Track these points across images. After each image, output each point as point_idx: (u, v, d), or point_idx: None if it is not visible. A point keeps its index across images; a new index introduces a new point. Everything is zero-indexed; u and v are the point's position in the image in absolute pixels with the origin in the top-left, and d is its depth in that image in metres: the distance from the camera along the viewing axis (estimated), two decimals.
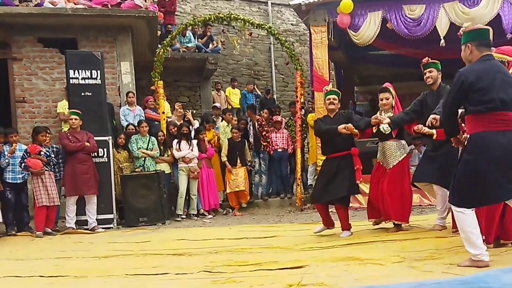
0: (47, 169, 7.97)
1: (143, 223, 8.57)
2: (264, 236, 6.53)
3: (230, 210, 9.82)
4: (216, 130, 10.42)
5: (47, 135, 8.31)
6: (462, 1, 8.83)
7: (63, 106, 9.53)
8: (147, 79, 10.78)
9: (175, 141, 9.38)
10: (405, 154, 6.02)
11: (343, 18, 9.35)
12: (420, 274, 3.64)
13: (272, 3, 16.22)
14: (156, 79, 10.09)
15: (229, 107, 12.47)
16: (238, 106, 13.04)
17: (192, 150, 9.32)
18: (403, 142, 6.05)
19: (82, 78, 8.67)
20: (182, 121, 10.03)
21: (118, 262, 5.29)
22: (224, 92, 13.18)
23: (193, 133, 9.70)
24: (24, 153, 7.89)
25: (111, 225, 8.54)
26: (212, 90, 13.62)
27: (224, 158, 9.75)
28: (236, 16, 10.52)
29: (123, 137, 9.25)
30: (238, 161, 9.75)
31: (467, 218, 3.77)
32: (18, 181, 8.00)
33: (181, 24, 11.50)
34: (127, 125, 9.63)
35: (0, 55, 9.99)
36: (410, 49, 10.32)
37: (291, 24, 16.53)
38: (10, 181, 7.93)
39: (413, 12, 9.06)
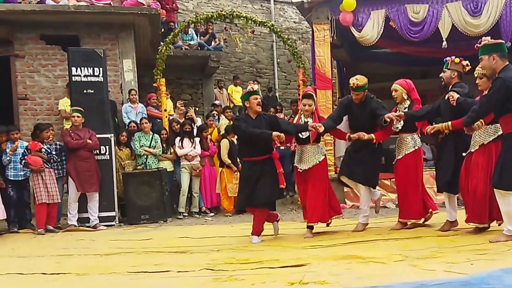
0: (47, 166, 7.97)
1: (145, 221, 8.57)
2: (266, 234, 6.52)
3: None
4: (216, 122, 10.39)
5: (50, 132, 8.33)
6: (465, 5, 8.79)
7: (64, 104, 9.54)
8: (150, 77, 10.78)
9: (177, 139, 9.38)
10: (323, 157, 6.20)
11: (346, 16, 9.33)
12: (422, 273, 3.63)
13: (274, 1, 16.19)
14: (158, 76, 10.08)
15: (231, 105, 12.46)
16: (241, 104, 13.01)
17: (194, 147, 9.31)
18: (321, 145, 6.26)
19: (84, 76, 8.66)
20: (183, 119, 10.02)
21: (120, 260, 5.29)
22: (227, 90, 13.17)
23: (195, 130, 9.69)
24: (25, 150, 7.90)
25: (113, 223, 8.54)
26: (215, 88, 13.61)
27: (228, 160, 9.26)
28: (239, 13, 10.51)
29: (125, 134, 9.25)
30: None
31: None
32: (20, 178, 8.01)
33: (184, 21, 11.50)
34: (129, 123, 9.64)
35: (2, 52, 10.00)
36: (413, 47, 10.29)
37: (294, 22, 16.51)
38: (12, 178, 7.94)
39: (417, 15, 9.00)
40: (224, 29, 14.58)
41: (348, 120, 6.34)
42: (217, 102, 11.93)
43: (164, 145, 9.38)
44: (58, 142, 8.50)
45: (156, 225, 8.42)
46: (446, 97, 5.44)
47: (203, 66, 13.56)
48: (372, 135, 6.09)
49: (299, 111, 6.36)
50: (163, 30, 12.07)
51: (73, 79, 8.68)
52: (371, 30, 9.27)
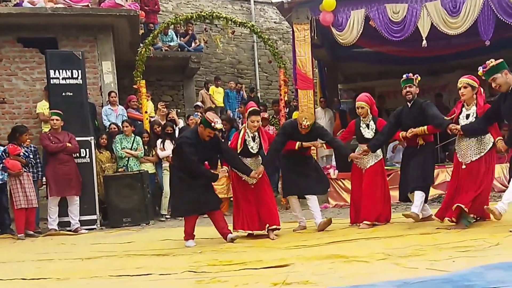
0: (25, 170, 7.86)
1: (127, 224, 8.50)
2: (249, 235, 6.51)
3: None
4: (196, 118, 10.29)
5: (28, 135, 8.23)
6: (443, 4, 8.87)
7: (42, 107, 9.44)
8: (130, 79, 10.69)
9: (159, 141, 9.32)
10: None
11: (326, 16, 9.34)
12: (404, 271, 3.65)
13: (254, 1, 16.18)
14: (138, 78, 9.99)
15: (213, 105, 12.42)
16: (222, 105, 13.01)
17: None
18: (259, 157, 6.40)
19: (62, 78, 8.55)
20: (165, 121, 9.96)
21: (101, 263, 5.24)
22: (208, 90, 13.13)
23: (177, 132, 9.63)
24: (3, 154, 7.77)
25: (94, 226, 8.46)
26: (201, 89, 13.52)
27: None
28: (219, 14, 10.46)
29: (105, 137, 9.16)
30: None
31: None
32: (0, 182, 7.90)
33: (163, 22, 11.42)
34: (110, 125, 9.55)
35: None
36: (393, 47, 10.36)
37: (274, 22, 16.52)
38: None
39: (396, 15, 9.05)
40: (204, 30, 14.51)
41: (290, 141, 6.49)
42: (199, 103, 11.88)
43: (145, 147, 9.31)
44: (32, 145, 8.39)
45: (138, 228, 8.35)
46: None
47: (184, 68, 13.50)
48: (324, 145, 6.73)
49: (245, 125, 6.42)
50: (142, 31, 11.99)
51: (52, 82, 8.56)
52: (351, 30, 9.30)
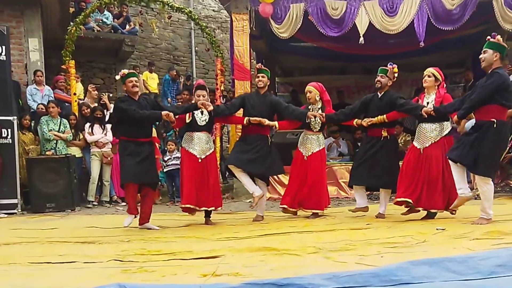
0: None
1: (50, 209, 8.18)
2: (179, 225, 6.41)
3: None
4: None
5: None
6: (381, 4, 9.05)
7: None
8: (58, 58, 10.23)
9: (87, 125, 9.00)
10: (213, 147, 6.46)
11: (266, 7, 9.32)
12: (334, 265, 3.67)
13: None
14: (67, 58, 9.59)
15: (146, 91, 12.15)
16: (156, 91, 12.75)
17: (106, 134, 8.98)
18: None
19: None
20: (96, 104, 9.61)
21: (21, 250, 4.96)
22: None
23: (108, 117, 9.32)
24: None
25: (15, 211, 8.10)
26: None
27: None
28: None
29: (29, 118, 8.78)
30: None
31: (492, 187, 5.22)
32: None
33: (96, 1, 10.98)
34: (38, 105, 9.14)
35: None
36: (331, 43, 10.48)
37: (213, 10, 16.31)
38: None
39: (335, 11, 9.16)
40: (140, 13, 14.11)
41: (245, 112, 6.50)
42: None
43: (73, 130, 8.98)
44: None
45: (63, 214, 8.05)
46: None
47: (117, 50, 13.08)
48: (276, 123, 6.47)
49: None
50: (73, 9, 11.50)
51: None
52: (290, 23, 9.32)
